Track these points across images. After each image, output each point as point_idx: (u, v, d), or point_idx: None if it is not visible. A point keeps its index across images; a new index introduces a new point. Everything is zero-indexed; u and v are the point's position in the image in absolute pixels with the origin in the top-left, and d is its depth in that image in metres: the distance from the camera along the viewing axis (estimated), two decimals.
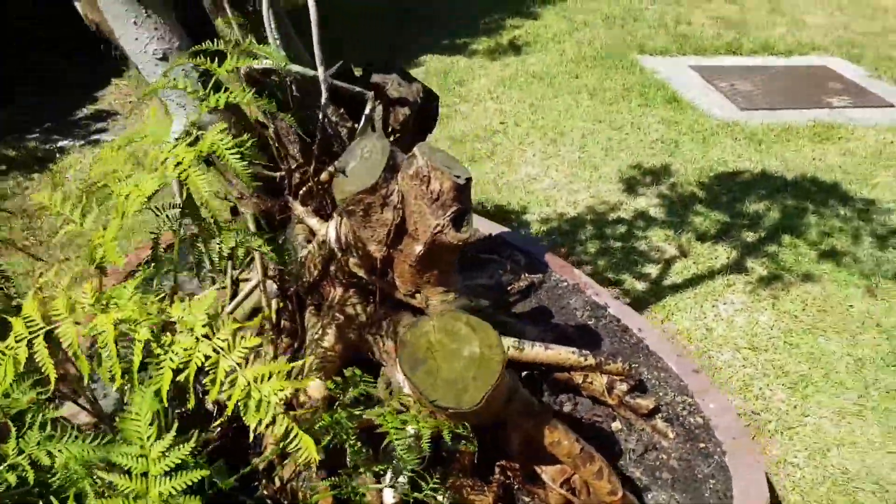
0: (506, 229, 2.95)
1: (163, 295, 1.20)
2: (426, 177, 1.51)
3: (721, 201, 4.29)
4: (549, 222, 4.13)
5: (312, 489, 1.39)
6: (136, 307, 1.13)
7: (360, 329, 1.79)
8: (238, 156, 1.29)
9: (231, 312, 2.08)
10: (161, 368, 1.11)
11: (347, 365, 1.73)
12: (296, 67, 1.56)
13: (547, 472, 1.64)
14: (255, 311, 2.02)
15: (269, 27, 1.54)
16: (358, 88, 1.69)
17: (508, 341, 1.91)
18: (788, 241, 3.91)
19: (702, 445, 1.97)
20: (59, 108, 5.18)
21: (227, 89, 1.73)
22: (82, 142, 4.56)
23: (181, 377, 1.12)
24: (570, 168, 4.66)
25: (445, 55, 6.30)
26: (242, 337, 1.13)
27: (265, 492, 1.61)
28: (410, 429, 1.40)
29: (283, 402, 1.10)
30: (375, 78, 1.92)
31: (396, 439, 1.28)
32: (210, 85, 1.51)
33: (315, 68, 1.85)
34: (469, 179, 1.55)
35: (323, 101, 1.61)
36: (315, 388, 1.67)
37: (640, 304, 3.49)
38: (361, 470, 1.49)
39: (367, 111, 1.71)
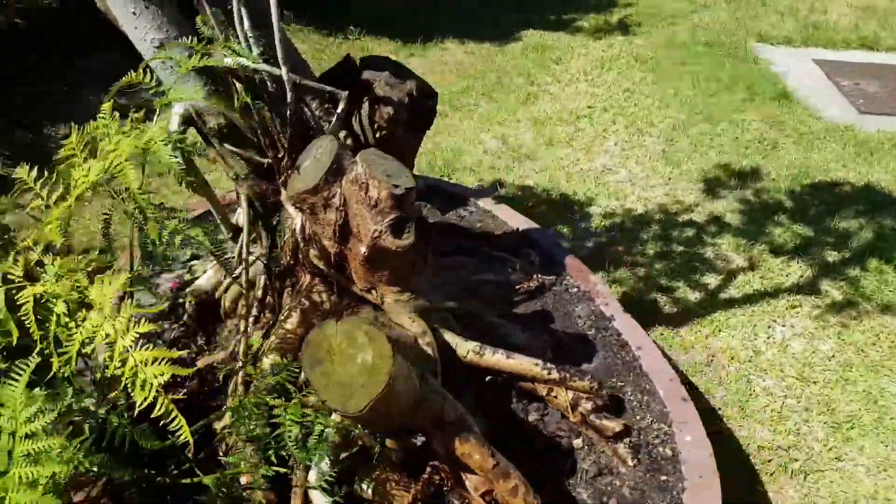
0: (535, 225, 2.90)
1: (88, 271, 1.33)
2: (364, 183, 1.54)
3: (809, 213, 3.95)
4: (612, 217, 4.00)
5: (234, 462, 1.50)
6: (57, 283, 1.27)
7: (324, 316, 1.88)
8: (175, 151, 1.39)
9: (231, 283, 2.24)
10: (72, 340, 1.26)
11: None
12: (262, 66, 1.64)
13: (471, 481, 1.66)
14: (252, 283, 2.15)
15: (239, 25, 1.62)
16: (330, 88, 1.74)
17: (469, 345, 1.92)
18: (875, 265, 3.54)
19: (663, 478, 1.90)
20: None
21: (217, 80, 1.85)
22: None
23: (87, 350, 1.26)
24: (651, 162, 4.46)
25: (548, 31, 6.15)
26: (136, 322, 1.24)
27: (220, 455, 1.75)
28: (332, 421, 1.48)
29: (161, 384, 1.20)
30: (366, 74, 1.96)
31: (288, 431, 1.36)
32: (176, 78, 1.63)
33: (304, 65, 1.92)
34: (409, 190, 1.56)
35: (289, 100, 1.68)
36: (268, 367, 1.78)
37: (687, 315, 3.33)
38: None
39: (338, 111, 1.76)
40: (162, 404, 1.21)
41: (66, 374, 1.28)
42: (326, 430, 1.41)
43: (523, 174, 4.37)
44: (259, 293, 2.07)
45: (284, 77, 1.63)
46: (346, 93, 1.74)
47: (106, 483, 1.63)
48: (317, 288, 1.88)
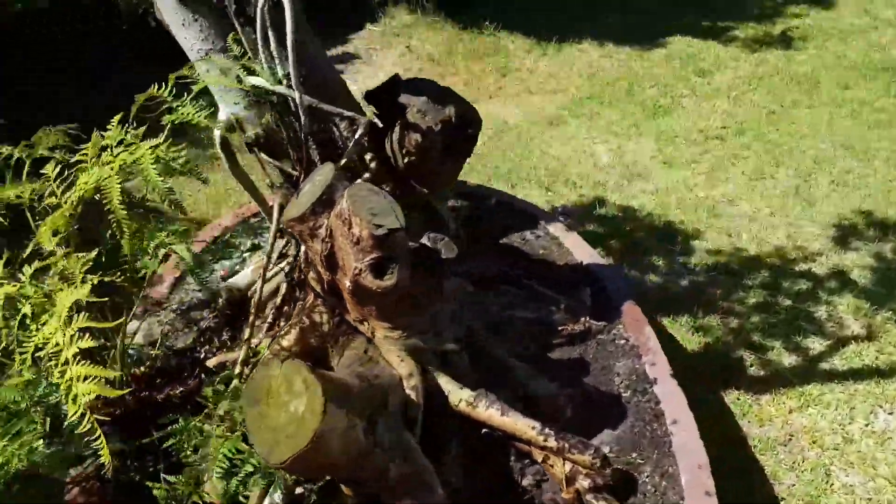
0: (602, 261, 2.69)
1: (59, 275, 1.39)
2: (347, 220, 1.48)
3: None
4: (718, 255, 3.64)
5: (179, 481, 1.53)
6: (30, 287, 1.34)
7: (321, 338, 1.85)
8: (159, 169, 1.41)
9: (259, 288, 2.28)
10: (31, 341, 1.32)
11: None
12: (279, 88, 1.62)
13: None
14: (276, 290, 2.18)
15: (261, 45, 1.61)
16: (349, 113, 1.68)
17: (463, 394, 1.81)
18: None
19: None
20: None
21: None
22: None
23: (42, 353, 1.32)
24: (780, 198, 4.00)
25: (697, 38, 5.66)
26: (80, 338, 1.28)
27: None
28: None
29: (89, 403, 1.23)
30: (403, 98, 1.89)
31: (219, 464, 1.36)
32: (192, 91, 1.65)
33: (333, 85, 1.89)
34: (394, 230, 1.48)
35: (303, 122, 1.65)
36: None
37: (775, 380, 2.97)
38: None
39: (356, 136, 1.70)
40: (88, 420, 1.24)
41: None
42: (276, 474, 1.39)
43: (630, 194, 4.09)
44: (279, 301, 2.09)
45: (297, 100, 1.60)
46: (367, 119, 1.68)
47: (98, 465, 1.73)
48: (318, 308, 1.86)
